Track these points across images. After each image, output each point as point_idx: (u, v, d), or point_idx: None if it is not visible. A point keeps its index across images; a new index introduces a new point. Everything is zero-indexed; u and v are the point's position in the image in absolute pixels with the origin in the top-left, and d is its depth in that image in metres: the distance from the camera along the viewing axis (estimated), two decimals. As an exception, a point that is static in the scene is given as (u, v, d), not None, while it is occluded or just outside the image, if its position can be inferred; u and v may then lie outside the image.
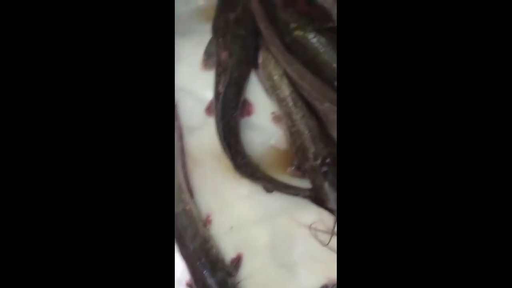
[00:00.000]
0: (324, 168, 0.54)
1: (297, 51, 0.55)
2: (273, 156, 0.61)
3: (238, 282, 0.56)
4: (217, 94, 0.58)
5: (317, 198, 0.55)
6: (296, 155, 0.58)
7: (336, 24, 0.54)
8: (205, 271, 0.55)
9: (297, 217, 0.57)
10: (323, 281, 0.54)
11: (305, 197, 0.55)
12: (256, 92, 0.61)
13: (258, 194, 0.59)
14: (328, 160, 0.54)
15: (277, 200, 0.58)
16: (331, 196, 0.54)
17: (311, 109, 0.56)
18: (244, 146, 0.59)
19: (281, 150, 0.60)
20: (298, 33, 0.55)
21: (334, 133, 0.54)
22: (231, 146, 0.57)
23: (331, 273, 0.55)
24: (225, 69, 0.58)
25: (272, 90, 0.58)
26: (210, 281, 0.55)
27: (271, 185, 0.57)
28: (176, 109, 0.61)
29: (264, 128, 0.60)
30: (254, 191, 0.59)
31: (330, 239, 0.54)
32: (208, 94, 0.60)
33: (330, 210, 0.54)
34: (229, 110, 0.58)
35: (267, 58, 0.57)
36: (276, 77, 0.57)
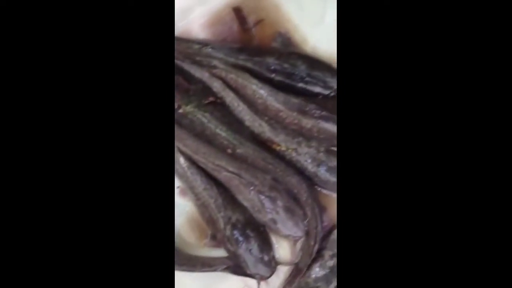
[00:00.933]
0: (236, 235, 0.54)
1: (186, 127, 0.56)
2: (189, 230, 0.60)
3: None
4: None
5: (236, 266, 0.54)
6: (209, 226, 0.57)
7: (215, 99, 0.57)
8: None
9: (223, 288, 0.56)
10: None
11: (223, 270, 0.54)
12: (158, 170, 0.61)
13: (182, 277, 0.56)
14: (239, 226, 0.55)
15: (201, 277, 0.56)
16: (249, 261, 0.54)
17: (211, 180, 0.56)
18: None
19: (195, 223, 0.60)
20: (183, 109, 0.57)
21: (239, 197, 0.56)
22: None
23: None
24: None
25: (171, 166, 0.58)
26: None
27: (186, 267, 0.55)
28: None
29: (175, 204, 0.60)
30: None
31: (259, 303, 0.54)
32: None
33: (251, 276, 0.54)
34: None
35: (159, 137, 0.58)
36: (171, 154, 0.57)
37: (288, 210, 0.54)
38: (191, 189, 0.56)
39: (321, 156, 0.55)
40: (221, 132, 0.55)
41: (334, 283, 0.52)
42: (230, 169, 0.54)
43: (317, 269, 0.53)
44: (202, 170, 0.56)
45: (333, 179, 0.55)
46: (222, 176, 0.55)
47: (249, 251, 0.53)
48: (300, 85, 0.57)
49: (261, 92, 0.56)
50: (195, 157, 0.55)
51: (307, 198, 0.54)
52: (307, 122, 0.55)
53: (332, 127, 0.54)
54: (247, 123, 0.57)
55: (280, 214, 0.54)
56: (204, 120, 0.56)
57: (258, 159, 0.55)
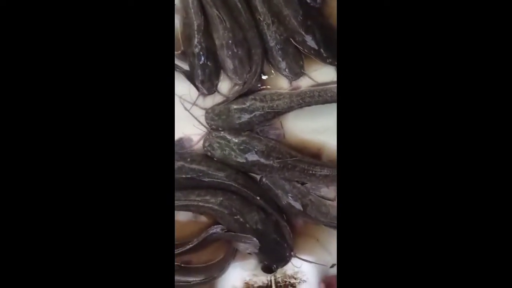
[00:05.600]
0: (201, 54, 0.74)
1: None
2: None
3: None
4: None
5: (190, 77, 0.76)
6: (184, 42, 0.76)
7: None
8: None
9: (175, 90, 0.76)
10: (180, 135, 0.78)
11: (181, 73, 0.76)
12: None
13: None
14: (204, 52, 0.74)
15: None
16: (200, 76, 0.75)
17: (203, 9, 0.74)
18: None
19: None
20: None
21: (215, 35, 0.75)
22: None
23: (190, 129, 0.77)
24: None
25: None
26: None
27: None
28: None
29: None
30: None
31: (191, 108, 0.77)
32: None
33: (197, 87, 0.77)
34: None
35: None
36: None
37: (241, 61, 0.76)
38: (184, 8, 0.74)
39: (281, 40, 0.76)
40: None
41: (247, 116, 0.75)
42: (223, 15, 0.73)
43: (240, 101, 0.76)
44: (200, 2, 0.73)
45: (283, 64, 0.76)
46: (210, 11, 0.73)
47: (203, 68, 0.75)
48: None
49: None
50: None
51: (257, 59, 0.75)
52: (286, 11, 0.74)
53: (295, 19, 0.73)
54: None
55: (235, 60, 0.75)
56: None
57: (243, 16, 0.74)
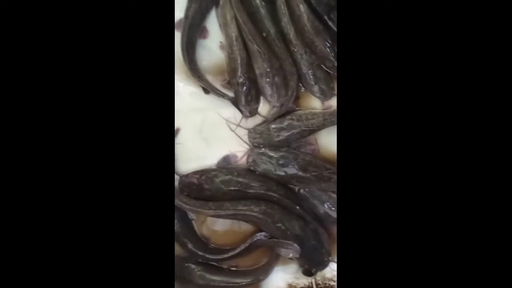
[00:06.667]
0: (244, 83, 0.86)
1: (245, 2, 0.84)
2: (215, 70, 0.91)
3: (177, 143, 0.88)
4: (186, 16, 0.85)
5: (235, 102, 0.88)
6: (229, 74, 0.88)
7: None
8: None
9: (220, 111, 0.89)
10: (226, 152, 0.89)
11: (227, 99, 0.88)
12: (213, 24, 0.89)
13: (199, 92, 0.89)
14: (247, 81, 0.86)
15: (210, 98, 0.89)
16: (243, 101, 0.87)
17: (245, 46, 0.86)
18: (197, 57, 0.88)
19: (221, 68, 0.90)
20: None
21: (255, 66, 0.86)
22: (189, 54, 0.86)
23: (235, 147, 0.88)
24: (196, 1, 0.85)
25: (224, 25, 0.86)
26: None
27: (208, 87, 0.87)
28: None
29: (212, 50, 0.90)
30: (197, 90, 0.89)
31: (235, 128, 0.88)
32: (178, 14, 0.86)
33: (241, 111, 0.88)
34: (193, 30, 0.85)
35: (225, 1, 0.85)
36: (228, 17, 0.84)
37: (278, 87, 0.86)
38: (229, 46, 0.87)
39: (313, 66, 0.86)
40: (265, 20, 0.85)
41: (285, 134, 0.84)
42: (262, 49, 0.84)
43: (279, 121, 0.87)
44: (242, 37, 0.85)
45: (315, 87, 0.86)
46: (252, 47, 0.85)
47: (246, 94, 0.86)
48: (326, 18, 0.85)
49: (302, 8, 0.83)
50: (243, 26, 0.84)
51: (293, 85, 0.86)
52: (317, 42, 0.84)
53: (324, 48, 0.83)
54: (282, 23, 0.85)
55: (273, 86, 0.86)
56: (259, 3, 0.84)
57: (279, 48, 0.85)
